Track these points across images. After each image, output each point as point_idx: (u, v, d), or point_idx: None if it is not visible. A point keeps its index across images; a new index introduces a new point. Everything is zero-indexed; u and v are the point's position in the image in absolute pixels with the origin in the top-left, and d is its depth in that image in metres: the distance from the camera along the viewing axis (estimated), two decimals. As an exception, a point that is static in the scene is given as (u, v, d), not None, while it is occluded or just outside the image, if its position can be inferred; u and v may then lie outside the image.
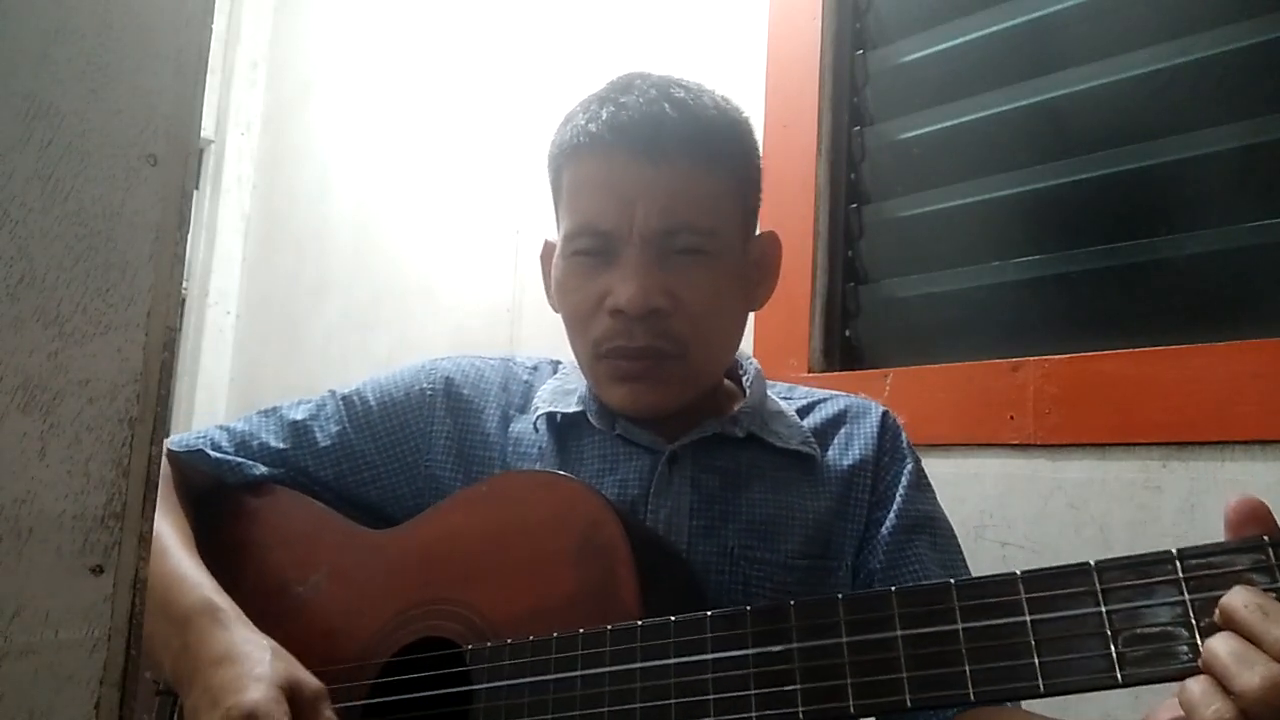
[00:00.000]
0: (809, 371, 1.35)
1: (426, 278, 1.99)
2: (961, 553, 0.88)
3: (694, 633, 0.61)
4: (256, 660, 0.68)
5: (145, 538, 0.41)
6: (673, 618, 0.62)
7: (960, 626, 0.54)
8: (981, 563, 0.90)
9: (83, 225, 0.40)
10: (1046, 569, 0.53)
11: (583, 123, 0.83)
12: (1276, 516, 0.51)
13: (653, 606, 0.66)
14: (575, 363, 0.94)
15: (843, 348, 1.37)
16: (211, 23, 0.45)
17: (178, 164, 0.43)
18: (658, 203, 0.80)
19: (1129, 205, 1.14)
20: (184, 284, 2.19)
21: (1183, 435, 1.01)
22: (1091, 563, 0.52)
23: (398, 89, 2.14)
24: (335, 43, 2.34)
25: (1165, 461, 1.02)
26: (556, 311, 0.89)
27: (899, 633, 0.55)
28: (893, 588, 0.57)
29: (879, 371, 1.28)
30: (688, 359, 0.82)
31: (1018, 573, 0.53)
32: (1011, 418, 1.14)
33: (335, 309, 2.19)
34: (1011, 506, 1.13)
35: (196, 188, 2.44)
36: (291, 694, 0.67)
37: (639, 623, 0.63)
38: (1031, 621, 0.52)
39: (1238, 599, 0.48)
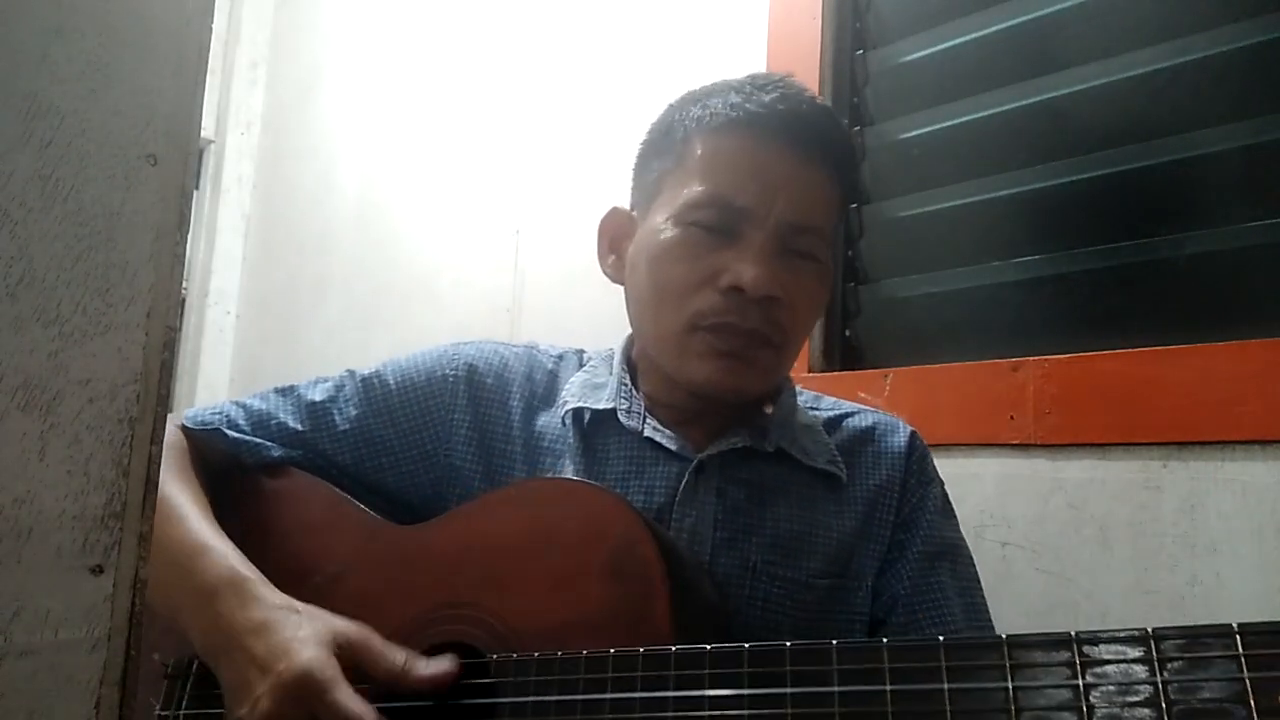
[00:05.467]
0: (809, 371, 1.35)
1: (427, 277, 1.98)
2: (978, 580, 0.88)
3: (730, 665, 0.60)
4: (295, 624, 0.69)
5: (145, 538, 0.41)
6: (708, 646, 0.61)
7: (945, 687, 0.54)
8: (982, 563, 0.91)
9: (83, 225, 0.40)
10: (1033, 635, 0.53)
11: (739, 99, 0.82)
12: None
13: (683, 629, 0.64)
14: (604, 354, 0.92)
15: (843, 348, 1.37)
16: (211, 23, 0.45)
17: (178, 164, 0.43)
18: (799, 197, 0.80)
19: (1129, 205, 1.14)
20: (184, 284, 2.19)
21: (1183, 435, 1.01)
22: (1072, 633, 0.52)
23: (398, 88, 2.14)
24: (335, 42, 2.34)
25: (1165, 461, 1.02)
26: (614, 280, 0.89)
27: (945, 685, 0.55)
28: (885, 640, 0.57)
29: (879, 371, 1.28)
30: (783, 351, 0.83)
31: (1003, 636, 0.54)
32: (1011, 418, 1.13)
33: (335, 309, 2.19)
34: (1011, 506, 1.13)
35: (196, 188, 2.44)
36: (338, 647, 0.67)
37: (673, 649, 0.62)
38: (1013, 689, 0.52)
39: None
